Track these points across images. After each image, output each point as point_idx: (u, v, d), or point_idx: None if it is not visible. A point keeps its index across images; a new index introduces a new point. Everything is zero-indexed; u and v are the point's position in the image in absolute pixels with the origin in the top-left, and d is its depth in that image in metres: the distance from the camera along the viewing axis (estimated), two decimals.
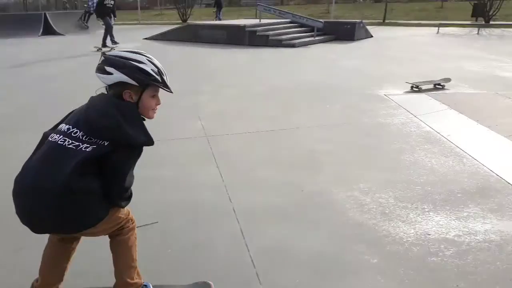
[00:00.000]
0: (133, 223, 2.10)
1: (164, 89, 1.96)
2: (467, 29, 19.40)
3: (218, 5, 25.14)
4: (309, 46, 14.80)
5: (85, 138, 1.79)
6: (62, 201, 1.73)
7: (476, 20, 22.17)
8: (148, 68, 1.89)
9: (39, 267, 2.08)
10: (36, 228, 1.84)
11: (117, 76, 1.84)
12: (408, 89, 7.20)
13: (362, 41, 15.93)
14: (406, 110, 6.01)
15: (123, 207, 1.98)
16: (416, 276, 2.53)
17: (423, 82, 7.41)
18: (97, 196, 1.81)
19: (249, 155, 4.51)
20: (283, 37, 15.19)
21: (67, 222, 1.80)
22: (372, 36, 16.89)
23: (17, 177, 1.82)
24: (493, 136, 4.81)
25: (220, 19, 23.79)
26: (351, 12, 28.16)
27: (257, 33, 15.26)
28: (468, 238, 2.94)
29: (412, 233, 3.00)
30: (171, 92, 2.00)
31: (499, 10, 21.68)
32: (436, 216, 3.22)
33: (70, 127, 1.83)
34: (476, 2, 23.06)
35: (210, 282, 2.34)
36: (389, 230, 3.04)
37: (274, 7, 20.17)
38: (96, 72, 1.91)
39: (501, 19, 22.03)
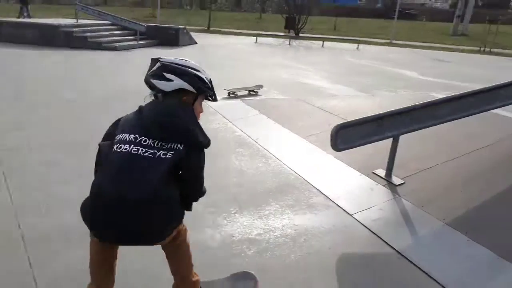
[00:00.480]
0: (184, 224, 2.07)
1: (214, 97, 2.00)
2: (281, 40, 21.52)
3: (23, 1, 22.18)
4: (132, 50, 14.32)
5: (157, 144, 1.76)
6: (152, 212, 1.71)
7: (289, 32, 24.76)
8: (203, 76, 1.93)
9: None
10: (122, 240, 1.82)
11: (178, 83, 1.85)
12: (226, 95, 7.53)
13: (186, 47, 16.16)
14: (223, 116, 6.25)
15: (191, 210, 1.97)
16: None
17: (239, 88, 7.85)
18: (178, 203, 1.83)
19: (50, 172, 4.03)
20: (104, 39, 14.38)
21: (155, 232, 1.81)
22: (196, 43, 17.29)
23: (93, 192, 1.76)
24: (294, 138, 5.34)
25: (29, 17, 21.17)
26: (177, 18, 28.37)
27: (74, 34, 14.09)
28: (268, 235, 3.16)
29: (218, 237, 3.08)
30: (217, 100, 2.04)
31: (306, 24, 24.66)
32: (241, 218, 3.38)
33: (137, 135, 1.78)
34: (287, 16, 25.77)
35: (251, 272, 2.53)
36: (196, 238, 3.04)
37: (93, 8, 18.91)
38: (151, 78, 1.89)
39: (308, 32, 25.09)
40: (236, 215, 3.41)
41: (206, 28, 25.32)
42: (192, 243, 2.97)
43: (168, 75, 1.85)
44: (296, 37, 23.09)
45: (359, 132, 3.68)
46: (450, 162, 4.59)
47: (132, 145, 1.75)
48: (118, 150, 1.76)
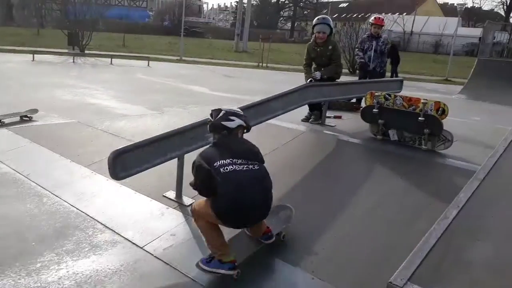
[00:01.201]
0: None
1: (248, 128, 3.08)
2: (63, 57, 19.59)
3: None
4: None
5: (245, 161, 2.77)
6: (270, 202, 2.88)
7: (73, 49, 22.87)
8: (245, 114, 3.07)
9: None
10: (251, 223, 2.95)
11: (238, 122, 2.95)
12: None
13: None
14: None
15: None
16: None
17: (6, 115, 6.67)
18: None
19: None
20: None
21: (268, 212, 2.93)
22: None
23: (235, 200, 2.66)
24: (74, 168, 4.71)
25: None
26: None
27: None
28: None
29: None
30: (250, 129, 3.13)
31: (91, 41, 23.26)
32: (1, 280, 2.70)
33: (231, 159, 2.74)
34: (70, 31, 23.84)
35: (287, 204, 3.54)
36: None
37: None
38: (221, 121, 2.92)
39: (95, 48, 23.69)
40: None
41: None
42: None
43: (231, 117, 2.92)
44: (81, 54, 21.49)
45: (140, 156, 3.42)
46: None
47: (234, 165, 2.70)
48: (227, 170, 2.68)
